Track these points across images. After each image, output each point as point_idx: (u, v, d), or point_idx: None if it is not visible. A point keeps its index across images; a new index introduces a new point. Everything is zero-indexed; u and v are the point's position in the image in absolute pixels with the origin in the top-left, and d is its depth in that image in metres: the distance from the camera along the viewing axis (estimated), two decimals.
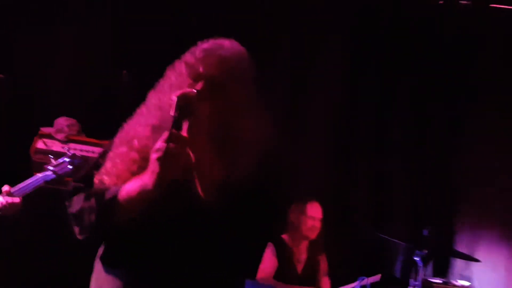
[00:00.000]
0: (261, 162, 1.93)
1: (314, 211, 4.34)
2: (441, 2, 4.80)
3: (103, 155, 2.04)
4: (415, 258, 3.78)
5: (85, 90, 4.57)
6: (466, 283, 4.28)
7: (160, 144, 1.72)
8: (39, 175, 3.27)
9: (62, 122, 4.31)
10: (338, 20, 5.00)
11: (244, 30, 4.74)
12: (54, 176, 3.22)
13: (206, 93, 1.87)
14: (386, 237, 3.77)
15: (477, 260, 4.09)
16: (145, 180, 1.75)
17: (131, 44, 4.51)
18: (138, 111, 2.03)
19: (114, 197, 1.81)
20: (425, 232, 3.70)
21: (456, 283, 4.22)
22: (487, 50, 4.90)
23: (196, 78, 1.91)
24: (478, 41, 4.89)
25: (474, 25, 4.84)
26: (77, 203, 1.89)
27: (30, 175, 4.06)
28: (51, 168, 3.23)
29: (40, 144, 4.15)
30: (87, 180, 1.99)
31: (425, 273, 4.19)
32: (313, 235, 4.34)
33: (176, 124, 1.77)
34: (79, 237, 1.87)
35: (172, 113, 1.74)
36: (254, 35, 4.86)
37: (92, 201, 1.85)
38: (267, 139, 1.98)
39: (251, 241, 1.97)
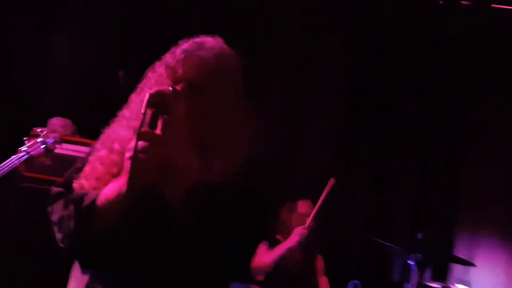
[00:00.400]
0: (243, 165, 1.88)
1: (305, 208, 4.31)
2: (441, 2, 4.74)
3: (85, 160, 2.01)
4: (409, 262, 3.73)
5: (82, 90, 4.55)
6: None
7: (133, 142, 1.67)
8: (13, 156, 3.28)
9: (55, 122, 4.30)
10: (338, 21, 4.96)
11: (244, 30, 4.76)
12: (27, 156, 3.22)
13: (184, 95, 1.82)
14: (380, 241, 3.71)
15: (472, 264, 4.03)
16: (121, 182, 1.70)
17: (129, 44, 4.48)
18: (120, 113, 1.99)
19: (92, 203, 1.77)
20: (420, 236, 3.64)
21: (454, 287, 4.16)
22: (491, 50, 4.82)
23: (175, 80, 1.87)
24: (481, 42, 4.81)
25: (476, 26, 4.76)
26: (57, 210, 1.86)
27: (23, 176, 4.06)
28: (24, 148, 3.24)
29: None
30: (68, 185, 1.97)
31: (424, 277, 4.13)
32: (304, 231, 4.29)
33: (151, 122, 1.72)
34: (61, 244, 1.83)
35: (142, 110, 1.69)
36: (255, 35, 4.84)
37: (71, 208, 1.81)
38: (251, 142, 1.93)
39: (229, 245, 1.92)
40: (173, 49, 1.95)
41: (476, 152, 4.73)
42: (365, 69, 4.94)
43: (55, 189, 1.97)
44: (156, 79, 1.94)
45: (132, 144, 1.67)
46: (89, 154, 2.00)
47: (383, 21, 4.93)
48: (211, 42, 1.95)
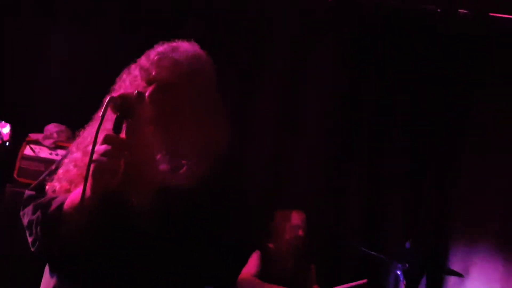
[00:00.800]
0: (212, 168, 1.87)
1: (298, 220, 4.28)
2: (439, 10, 4.70)
3: (60, 162, 2.01)
4: (397, 272, 3.69)
5: (78, 95, 4.55)
6: None
7: (97, 147, 1.66)
8: None
9: (51, 128, 4.33)
10: (334, 23, 4.93)
11: (238, 32, 4.77)
12: None
13: (155, 95, 1.84)
14: (368, 250, 3.67)
15: (460, 275, 3.97)
16: (87, 186, 1.68)
17: (125, 49, 4.48)
18: (95, 116, 2.00)
19: (59, 208, 1.76)
20: (407, 245, 3.60)
21: None
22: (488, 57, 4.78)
23: (149, 81, 1.89)
24: (478, 49, 4.76)
25: (474, 33, 4.72)
26: (27, 214, 1.85)
27: (15, 181, 4.08)
28: None
29: (27, 150, 4.17)
30: (40, 188, 1.97)
31: None
32: (297, 243, 4.27)
33: (115, 125, 1.70)
34: (32, 248, 1.83)
35: (100, 113, 1.68)
36: (248, 35, 4.83)
37: (39, 212, 1.80)
38: (220, 144, 1.93)
39: (197, 249, 1.90)
40: (148, 52, 1.96)
41: (473, 161, 4.68)
42: (361, 74, 4.89)
43: (27, 193, 1.97)
44: (130, 80, 1.95)
45: (96, 148, 1.66)
46: (64, 156, 2.01)
47: (380, 26, 4.89)
48: (185, 46, 1.97)
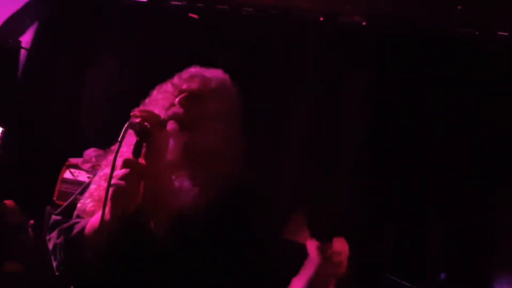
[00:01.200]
0: (231, 187, 1.89)
1: (339, 246, 4.20)
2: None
3: (87, 186, 2.05)
4: None
5: (116, 121, 4.63)
6: None
7: (116, 172, 1.68)
8: None
9: (90, 153, 4.43)
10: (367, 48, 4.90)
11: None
12: None
13: (184, 102, 1.91)
14: (400, 281, 3.57)
15: None
16: (105, 210, 1.70)
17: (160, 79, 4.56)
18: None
19: (80, 232, 1.78)
20: (442, 276, 3.50)
21: None
22: None
23: (180, 91, 1.97)
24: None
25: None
26: (53, 239, 1.89)
27: (54, 204, 4.18)
28: None
29: (67, 174, 4.26)
30: (67, 212, 2.00)
31: None
32: (339, 271, 4.18)
33: (135, 149, 1.73)
34: (56, 272, 1.87)
35: (119, 138, 1.71)
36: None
37: (62, 237, 1.84)
38: (238, 162, 1.95)
39: (220, 274, 1.89)
40: (180, 73, 2.06)
41: None
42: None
43: (53, 217, 2.01)
44: (162, 95, 2.01)
45: (115, 172, 1.69)
46: (96, 173, 2.05)
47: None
48: (215, 70, 2.07)
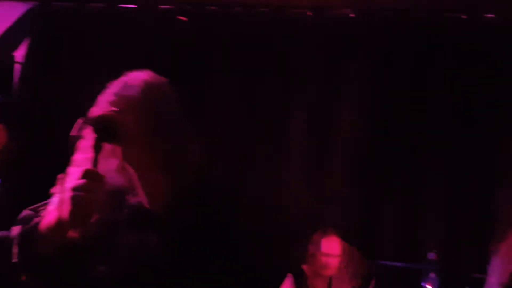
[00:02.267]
0: (194, 190, 1.91)
1: (330, 248, 4.19)
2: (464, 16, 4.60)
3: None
4: (423, 285, 3.56)
5: None
6: None
7: (74, 182, 1.68)
8: None
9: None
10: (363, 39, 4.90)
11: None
12: None
13: (133, 116, 1.86)
14: (386, 262, 3.55)
15: None
16: (63, 212, 1.69)
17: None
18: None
19: (35, 226, 1.80)
20: (431, 256, 3.48)
21: None
22: None
23: (121, 104, 1.89)
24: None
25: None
26: (14, 230, 1.90)
27: None
28: None
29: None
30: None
31: None
32: (327, 272, 4.19)
33: (95, 147, 1.72)
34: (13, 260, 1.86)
35: (72, 133, 1.73)
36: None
37: (20, 226, 1.85)
38: (198, 163, 1.96)
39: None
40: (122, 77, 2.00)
41: None
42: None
43: (24, 211, 2.04)
44: (106, 101, 1.94)
45: (74, 182, 1.69)
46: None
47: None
48: (151, 73, 2.02)
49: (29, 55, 5.15)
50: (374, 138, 4.77)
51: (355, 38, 4.92)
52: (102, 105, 1.92)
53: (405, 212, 4.59)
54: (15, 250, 1.90)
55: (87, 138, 1.78)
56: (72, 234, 1.73)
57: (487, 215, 4.27)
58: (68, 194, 1.66)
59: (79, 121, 1.76)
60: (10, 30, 5.14)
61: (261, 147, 4.83)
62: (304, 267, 4.27)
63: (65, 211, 1.68)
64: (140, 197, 1.88)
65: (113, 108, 1.84)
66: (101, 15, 5.20)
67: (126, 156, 1.83)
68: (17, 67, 5.12)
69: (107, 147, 1.77)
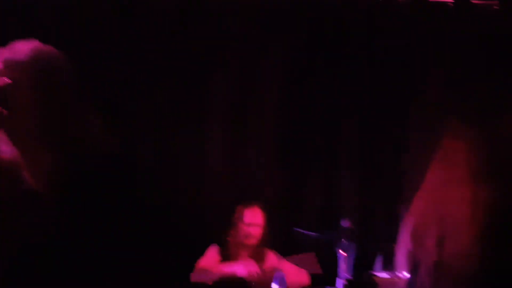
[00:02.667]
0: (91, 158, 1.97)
1: (252, 217, 4.34)
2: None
3: None
4: (337, 250, 3.78)
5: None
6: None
7: None
8: None
9: None
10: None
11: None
12: None
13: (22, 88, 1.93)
14: (302, 231, 3.75)
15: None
16: None
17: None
18: None
19: None
20: (345, 223, 3.69)
21: (402, 276, 4.18)
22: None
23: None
24: None
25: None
26: None
27: None
28: None
29: None
30: None
31: (374, 267, 4.14)
32: (250, 241, 4.34)
33: None
34: None
35: None
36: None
37: None
38: (96, 136, 2.03)
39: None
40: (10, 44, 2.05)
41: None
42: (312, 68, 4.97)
43: None
44: None
45: None
46: None
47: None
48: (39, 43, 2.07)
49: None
50: (295, 114, 4.94)
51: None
52: None
53: (323, 183, 4.83)
54: None
55: None
56: None
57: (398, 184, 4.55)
58: None
59: None
60: None
61: (185, 119, 4.87)
62: (229, 239, 4.40)
63: None
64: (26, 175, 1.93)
65: (5, 79, 1.90)
66: None
67: (14, 129, 1.89)
68: None
69: None
